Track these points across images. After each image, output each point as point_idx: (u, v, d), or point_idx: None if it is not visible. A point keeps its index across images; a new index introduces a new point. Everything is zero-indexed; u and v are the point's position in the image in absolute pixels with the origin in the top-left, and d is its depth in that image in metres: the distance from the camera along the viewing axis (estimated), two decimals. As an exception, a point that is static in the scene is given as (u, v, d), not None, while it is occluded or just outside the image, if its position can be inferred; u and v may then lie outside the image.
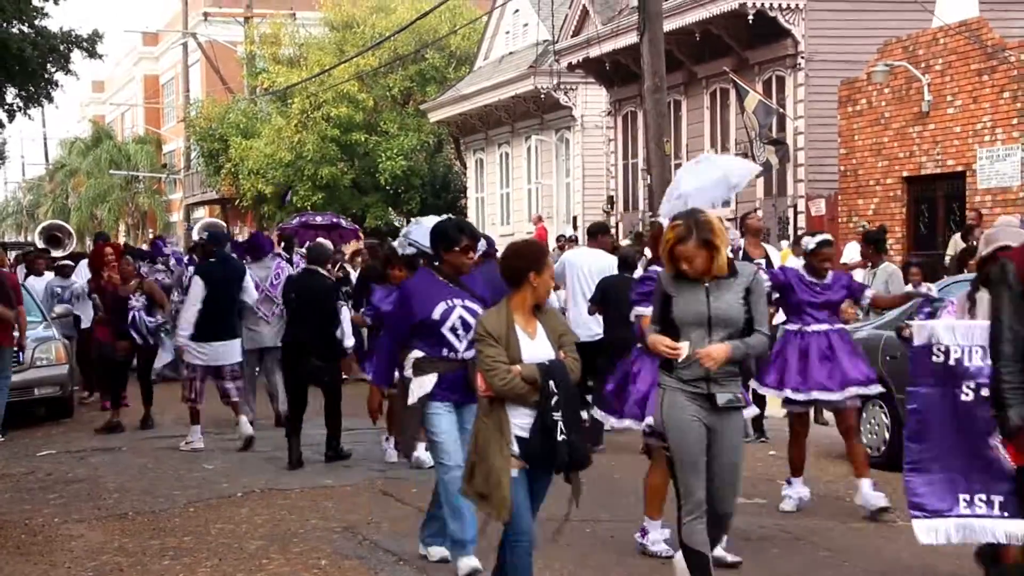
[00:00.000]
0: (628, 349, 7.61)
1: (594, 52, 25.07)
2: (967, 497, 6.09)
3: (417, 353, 6.52)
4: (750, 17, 20.80)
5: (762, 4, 20.61)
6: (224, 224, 19.61)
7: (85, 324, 14.67)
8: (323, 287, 10.48)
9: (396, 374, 9.98)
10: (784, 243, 17.25)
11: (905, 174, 18.30)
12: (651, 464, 7.16)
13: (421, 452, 9.39)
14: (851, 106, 19.29)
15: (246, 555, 7.24)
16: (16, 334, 11.57)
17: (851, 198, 19.35)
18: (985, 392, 5.60)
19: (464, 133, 34.33)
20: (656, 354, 5.88)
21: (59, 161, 60.50)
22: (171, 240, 16.12)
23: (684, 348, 5.66)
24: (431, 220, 8.43)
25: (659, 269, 6.79)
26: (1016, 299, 4.86)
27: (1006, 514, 5.96)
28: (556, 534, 6.10)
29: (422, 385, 6.48)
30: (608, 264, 11.19)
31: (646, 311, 6.69)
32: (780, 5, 20.67)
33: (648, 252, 9.85)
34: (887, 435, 9.92)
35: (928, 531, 6.30)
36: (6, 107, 21.23)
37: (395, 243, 10.39)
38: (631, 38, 20.54)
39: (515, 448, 5.48)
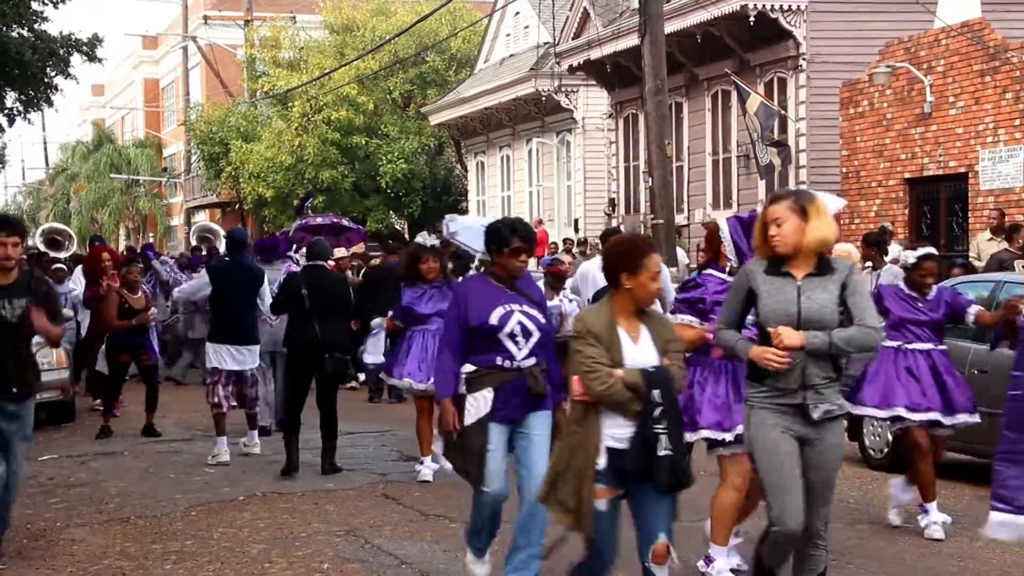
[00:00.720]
0: None
1: (595, 54, 25.07)
2: None
3: (468, 367, 6.12)
4: (751, 19, 20.79)
5: (763, 6, 20.61)
6: (217, 228, 19.61)
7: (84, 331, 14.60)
8: (335, 280, 10.30)
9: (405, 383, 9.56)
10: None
11: (907, 175, 18.28)
12: (721, 483, 6.61)
13: (443, 461, 9.10)
14: (853, 107, 19.27)
15: (248, 559, 7.23)
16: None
17: (853, 200, 19.31)
18: None
19: (465, 136, 34.33)
20: (758, 365, 5.26)
21: (60, 165, 60.51)
22: (165, 255, 16.12)
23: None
24: (473, 219, 8.34)
25: (715, 273, 6.59)
26: None
27: None
28: (550, 550, 5.89)
29: (478, 403, 6.05)
30: None
31: (688, 319, 6.43)
32: (781, 7, 20.67)
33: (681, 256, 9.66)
34: (889, 437, 9.90)
35: (1005, 527, 6.07)
36: (6, 111, 21.21)
37: (418, 238, 10.12)
38: (632, 40, 20.54)
39: (603, 461, 5.05)
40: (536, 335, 6.09)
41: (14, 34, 19.65)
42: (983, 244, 14.70)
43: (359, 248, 17.16)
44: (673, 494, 5.14)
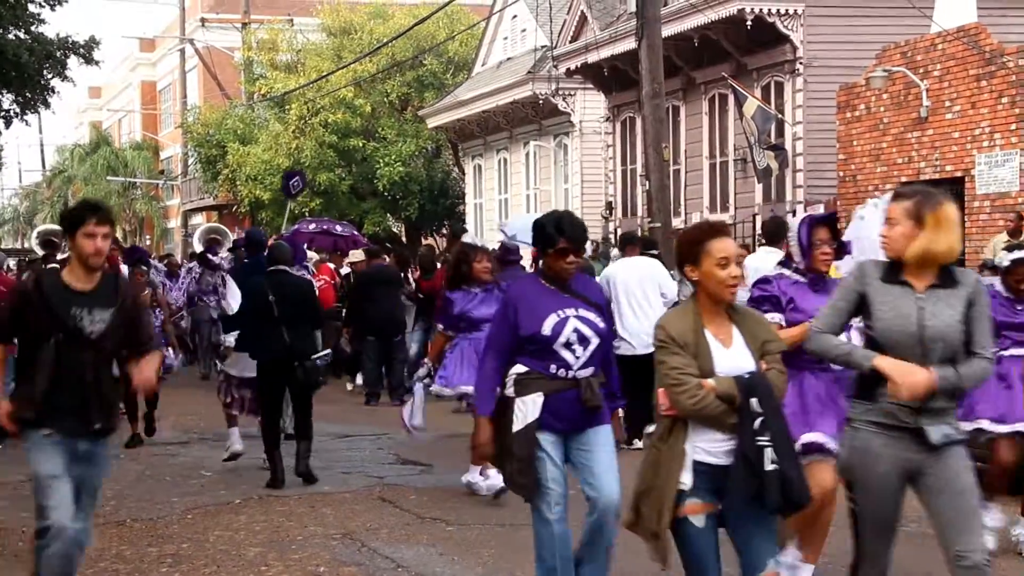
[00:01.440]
0: None
1: (592, 58, 25.08)
2: None
3: (519, 368, 5.58)
4: (748, 23, 20.82)
5: (761, 10, 20.63)
6: (224, 229, 19.27)
7: None
8: (301, 285, 9.86)
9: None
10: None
11: (904, 179, 18.27)
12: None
13: (472, 475, 8.83)
14: (850, 111, 19.29)
15: (245, 562, 7.23)
16: None
17: (850, 204, 19.31)
18: None
19: (462, 139, 34.33)
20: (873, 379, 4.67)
21: (56, 167, 60.50)
22: (154, 259, 16.01)
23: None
24: (528, 218, 8.18)
25: (784, 271, 6.19)
26: None
27: None
28: None
29: (527, 408, 5.51)
30: (651, 271, 11.07)
31: (777, 317, 5.96)
32: (779, 11, 20.69)
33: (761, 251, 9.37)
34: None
35: None
36: (3, 113, 21.21)
37: (465, 237, 9.83)
38: (629, 44, 20.56)
39: (689, 479, 4.54)
40: (594, 342, 5.54)
41: (11, 36, 19.66)
42: (1000, 247, 14.70)
43: (358, 255, 17.09)
44: (782, 515, 4.61)
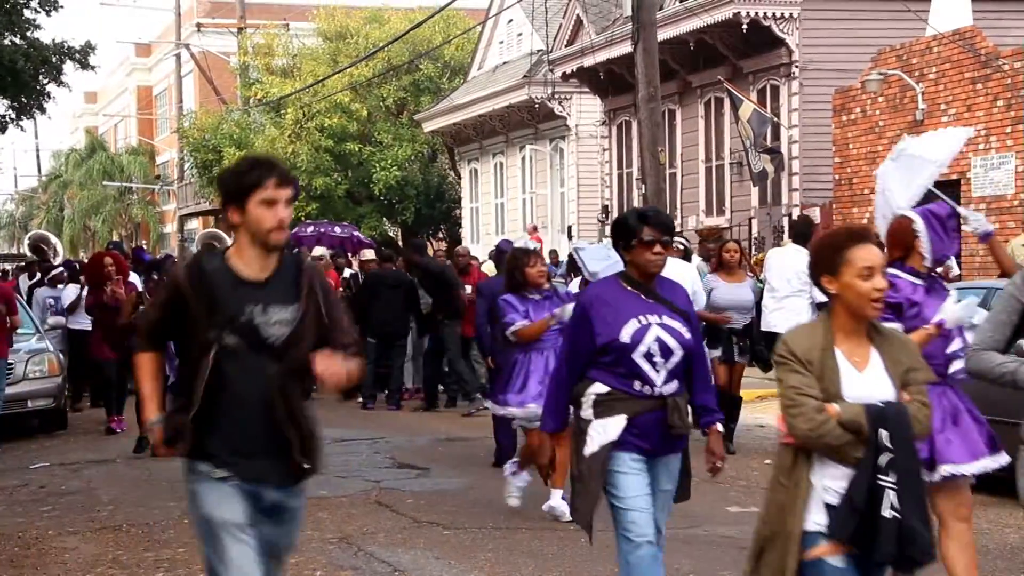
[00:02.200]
0: None
1: (588, 62, 25.11)
2: None
3: (599, 388, 5.00)
4: (744, 26, 20.86)
5: (756, 13, 20.67)
6: (222, 234, 19.15)
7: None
8: None
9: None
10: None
11: (899, 182, 18.30)
12: (943, 529, 5.55)
13: (555, 500, 8.22)
14: (845, 115, 19.33)
15: (241, 567, 7.20)
16: None
17: (846, 207, 19.37)
18: None
19: (458, 143, 34.37)
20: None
21: (52, 172, 60.51)
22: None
23: None
24: (596, 248, 7.98)
25: (901, 274, 5.57)
26: None
27: None
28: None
29: (606, 429, 4.95)
30: (684, 273, 10.89)
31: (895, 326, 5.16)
32: (774, 14, 20.73)
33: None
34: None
35: None
36: (-1, 118, 21.20)
37: (518, 242, 9.10)
38: (625, 47, 20.59)
39: (821, 521, 3.95)
40: (678, 354, 4.96)
41: (7, 42, 19.66)
42: (1017, 249, 14.71)
43: (369, 255, 17.01)
44: (897, 570, 4.05)
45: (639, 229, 4.97)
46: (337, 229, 17.67)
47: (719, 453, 5.15)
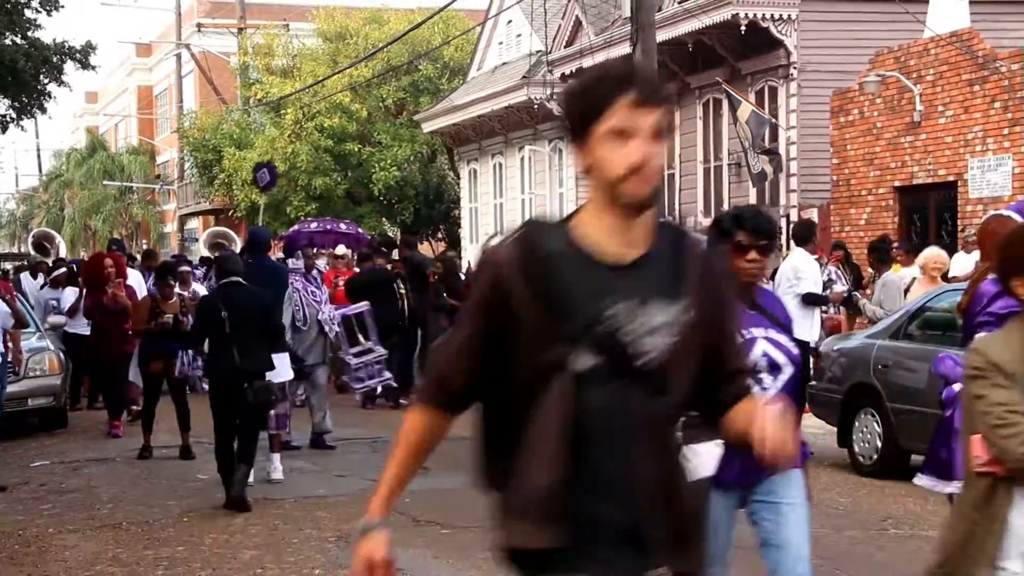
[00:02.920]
0: None
1: (587, 63, 25.08)
2: None
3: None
4: (742, 28, 20.89)
5: (754, 15, 20.70)
6: (230, 232, 18.98)
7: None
8: (256, 298, 9.16)
9: None
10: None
11: (897, 184, 18.38)
12: None
13: None
14: (843, 116, 19.37)
15: (240, 564, 7.25)
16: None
17: (843, 208, 19.43)
18: None
19: (457, 143, 34.39)
20: None
21: (53, 172, 60.52)
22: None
23: None
24: None
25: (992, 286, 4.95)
26: None
27: None
28: None
29: (700, 459, 4.15)
30: None
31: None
32: (772, 16, 20.77)
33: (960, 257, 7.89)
34: (879, 443, 9.97)
35: None
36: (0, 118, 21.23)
37: None
38: (624, 49, 20.60)
39: (1017, 569, 3.46)
40: (787, 371, 4.41)
41: (7, 42, 19.69)
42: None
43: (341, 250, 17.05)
44: None
45: (732, 232, 4.36)
46: (342, 226, 17.54)
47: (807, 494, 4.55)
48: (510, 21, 31.77)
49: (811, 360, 10.72)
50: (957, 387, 5.58)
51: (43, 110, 21.14)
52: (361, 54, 33.14)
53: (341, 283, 15.72)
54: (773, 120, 21.10)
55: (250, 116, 38.02)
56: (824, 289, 12.26)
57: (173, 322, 11.04)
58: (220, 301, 8.95)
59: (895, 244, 15.07)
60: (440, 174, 36.38)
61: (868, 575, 7.06)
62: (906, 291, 11.78)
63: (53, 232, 20.13)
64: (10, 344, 11.11)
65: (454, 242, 34.49)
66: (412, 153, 34.56)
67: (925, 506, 8.59)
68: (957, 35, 17.26)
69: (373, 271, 15.66)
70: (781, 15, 20.74)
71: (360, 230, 20.67)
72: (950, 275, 12.11)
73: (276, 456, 10.01)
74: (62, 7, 20.31)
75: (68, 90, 21.26)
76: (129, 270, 14.66)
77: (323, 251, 16.89)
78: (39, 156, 65.05)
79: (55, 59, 20.06)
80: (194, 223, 51.31)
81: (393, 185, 33.75)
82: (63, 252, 18.60)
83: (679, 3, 22.05)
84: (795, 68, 21.04)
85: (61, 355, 13.48)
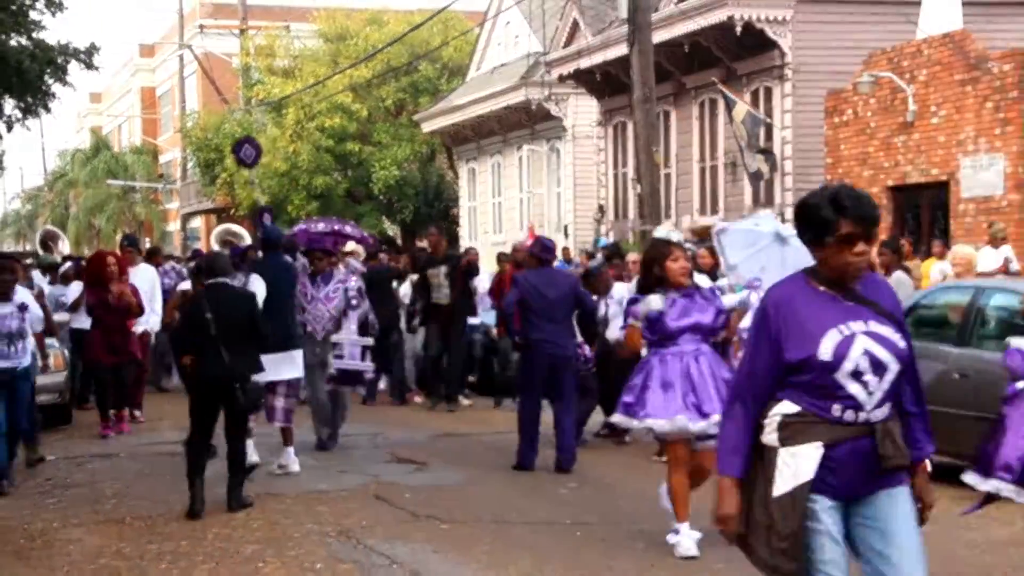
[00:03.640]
0: None
1: (585, 63, 25.27)
2: None
3: (787, 407, 3.90)
4: (738, 29, 21.01)
5: (750, 16, 20.82)
6: (240, 230, 18.78)
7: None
8: (242, 299, 8.97)
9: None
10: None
11: (890, 183, 18.50)
12: None
13: (684, 536, 7.20)
14: (837, 116, 19.49)
15: (242, 559, 7.27)
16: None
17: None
18: None
19: (456, 143, 34.49)
20: None
21: (58, 171, 60.57)
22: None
23: None
24: (742, 232, 7.20)
25: None
26: None
27: None
28: None
29: (798, 463, 3.84)
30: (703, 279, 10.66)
31: None
32: (767, 17, 20.89)
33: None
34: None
35: None
36: (4, 119, 21.31)
37: (658, 232, 7.70)
38: (621, 49, 20.76)
39: None
40: (893, 368, 3.88)
41: (13, 43, 19.79)
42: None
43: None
44: None
45: (834, 222, 3.83)
46: (348, 228, 17.40)
47: (929, 500, 4.08)
48: (508, 22, 31.86)
49: None
50: (1021, 384, 5.50)
51: (48, 110, 21.17)
52: (361, 55, 33.25)
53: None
54: (768, 120, 21.22)
55: (252, 116, 38.12)
56: None
57: None
58: (205, 302, 8.69)
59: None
60: (439, 173, 36.48)
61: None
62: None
63: (58, 231, 20.11)
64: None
65: (453, 240, 34.61)
66: (411, 153, 34.67)
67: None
68: (950, 36, 17.37)
69: (375, 270, 15.61)
70: (776, 17, 20.87)
71: (364, 233, 20.66)
72: (978, 270, 12.16)
73: (290, 449, 10.01)
74: (66, 8, 20.40)
75: (72, 90, 21.36)
76: (144, 265, 14.60)
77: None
78: (44, 156, 65.44)
79: (60, 60, 20.12)
80: (197, 222, 51.40)
81: (393, 184, 33.85)
82: (67, 250, 18.53)
83: (675, 4, 22.18)
84: (790, 69, 21.16)
85: (66, 352, 13.47)
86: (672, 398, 7.09)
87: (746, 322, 8.29)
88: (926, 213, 18.22)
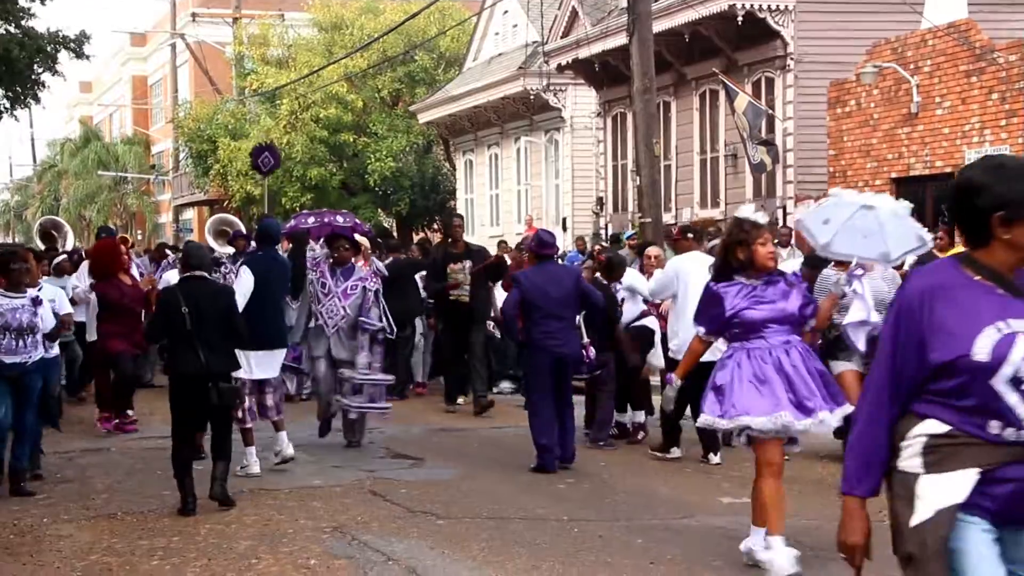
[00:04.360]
0: None
1: (583, 53, 25.13)
2: None
3: (932, 426, 3.33)
4: (739, 18, 20.88)
5: (752, 5, 20.69)
6: (234, 219, 18.51)
7: (91, 336, 13.21)
8: (220, 294, 8.76)
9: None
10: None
11: (894, 175, 18.37)
12: None
13: (754, 540, 6.68)
14: (840, 107, 19.36)
15: (235, 555, 7.23)
16: None
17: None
18: None
19: (453, 134, 34.37)
20: None
21: (47, 162, 60.43)
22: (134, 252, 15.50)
23: None
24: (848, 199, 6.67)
25: None
26: None
27: None
28: None
29: (943, 489, 3.29)
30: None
31: None
32: (770, 6, 20.76)
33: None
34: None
35: None
36: (-7, 108, 21.14)
37: (740, 211, 6.96)
38: (620, 39, 20.61)
39: None
40: None
41: (1, 31, 19.60)
42: None
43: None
44: None
45: (1004, 198, 3.24)
46: (339, 218, 17.16)
47: None
48: (506, 11, 31.74)
49: None
50: None
51: (37, 100, 21.04)
52: (356, 44, 33.10)
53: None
54: (770, 111, 21.09)
55: (245, 106, 37.96)
56: None
57: None
58: (181, 296, 8.45)
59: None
60: (436, 165, 36.36)
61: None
62: None
63: (61, 220, 19.65)
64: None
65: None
66: (408, 144, 34.54)
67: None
68: (955, 26, 17.24)
69: (398, 263, 15.31)
70: (778, 6, 20.74)
71: (358, 221, 20.43)
72: None
73: (283, 434, 9.88)
74: (56, -5, 20.23)
75: (62, 79, 21.17)
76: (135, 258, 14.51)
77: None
78: (33, 146, 64.99)
79: (49, 48, 19.95)
80: (189, 213, 51.25)
81: (389, 176, 33.73)
82: (71, 242, 18.07)
83: (676, -7, 22.03)
84: (792, 59, 21.04)
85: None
86: (770, 393, 6.43)
87: (854, 315, 7.71)
88: (930, 206, 18.07)
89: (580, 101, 28.73)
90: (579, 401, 10.60)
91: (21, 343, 8.86)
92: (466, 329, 13.44)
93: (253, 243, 12.54)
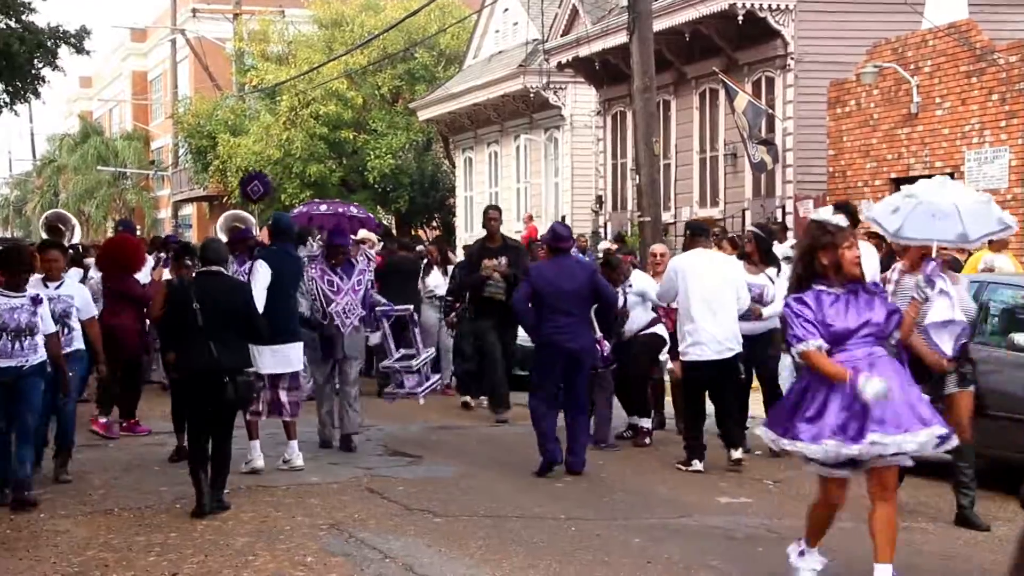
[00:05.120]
0: None
1: (584, 51, 25.11)
2: None
3: None
4: (740, 17, 20.87)
5: (752, 5, 20.68)
6: (248, 215, 18.23)
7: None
8: (233, 289, 8.65)
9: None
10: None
11: (893, 175, 18.35)
12: None
13: (794, 551, 6.52)
14: (840, 107, 19.34)
15: (232, 551, 7.22)
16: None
17: (840, 199, 19.34)
18: None
19: (453, 132, 34.34)
20: None
21: (47, 157, 60.38)
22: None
23: None
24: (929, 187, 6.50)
25: None
26: None
27: None
28: None
29: None
30: (734, 272, 10.07)
31: None
32: (770, 6, 20.74)
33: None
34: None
35: None
36: (-7, 103, 21.14)
37: (814, 214, 6.40)
38: (621, 38, 20.58)
39: None
40: None
41: (2, 25, 19.59)
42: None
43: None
44: None
45: None
46: (353, 209, 16.70)
47: None
48: (507, 9, 31.73)
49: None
50: None
51: (37, 95, 21.03)
52: (357, 41, 33.07)
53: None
54: (770, 111, 21.08)
55: (245, 103, 37.94)
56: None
57: None
58: (192, 291, 8.29)
59: None
60: (435, 162, 36.34)
61: (861, 566, 6.99)
62: None
63: (68, 214, 19.31)
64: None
65: (449, 231, 34.44)
66: (407, 141, 34.51)
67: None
68: (955, 26, 17.23)
69: (398, 260, 15.18)
70: (779, 5, 20.74)
71: (370, 215, 20.18)
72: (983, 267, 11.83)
73: (294, 443, 9.79)
74: (56, -10, 20.22)
75: (62, 75, 21.15)
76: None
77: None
78: (33, 141, 64.93)
79: (49, 43, 19.95)
80: (188, 209, 51.23)
81: (388, 173, 33.71)
82: (77, 235, 17.79)
83: (676, -8, 22.02)
84: (792, 59, 21.03)
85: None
86: (826, 420, 5.89)
87: (939, 313, 7.10)
88: (929, 206, 18.08)
89: (580, 99, 28.72)
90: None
91: (17, 345, 8.44)
92: (500, 327, 12.83)
93: (262, 239, 12.48)
